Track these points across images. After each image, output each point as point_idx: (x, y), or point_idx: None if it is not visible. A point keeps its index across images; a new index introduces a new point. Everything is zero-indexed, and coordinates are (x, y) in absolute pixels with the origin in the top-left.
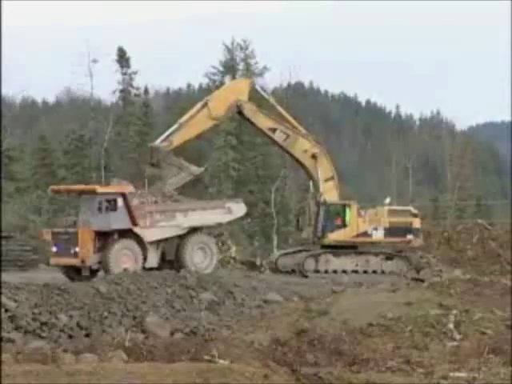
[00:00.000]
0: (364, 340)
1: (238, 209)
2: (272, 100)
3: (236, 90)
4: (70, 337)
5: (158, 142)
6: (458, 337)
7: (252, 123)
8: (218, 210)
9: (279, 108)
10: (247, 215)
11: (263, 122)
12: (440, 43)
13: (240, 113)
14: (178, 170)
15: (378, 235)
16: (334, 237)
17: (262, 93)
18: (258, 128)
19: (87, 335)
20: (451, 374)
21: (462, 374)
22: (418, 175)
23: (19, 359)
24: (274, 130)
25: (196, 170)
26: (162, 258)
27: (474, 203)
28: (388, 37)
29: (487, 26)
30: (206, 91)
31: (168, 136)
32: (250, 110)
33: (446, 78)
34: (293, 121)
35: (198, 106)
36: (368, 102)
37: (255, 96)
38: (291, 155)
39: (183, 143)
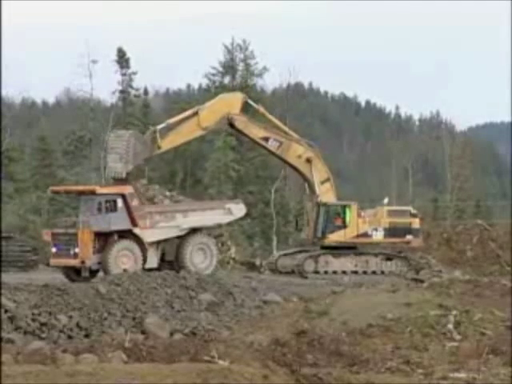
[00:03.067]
0: (364, 340)
1: (238, 209)
2: (262, 109)
3: (228, 104)
4: (70, 337)
5: (147, 134)
6: (457, 337)
7: (244, 134)
8: (218, 211)
9: (270, 117)
10: (247, 216)
11: (255, 132)
12: (440, 43)
13: (231, 125)
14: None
15: (378, 236)
16: (334, 238)
17: (253, 104)
18: (251, 138)
19: (87, 336)
20: (451, 375)
21: (462, 375)
22: (417, 176)
23: (19, 360)
24: (266, 139)
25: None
26: (162, 259)
27: (474, 204)
28: (388, 37)
29: (487, 26)
30: (205, 92)
31: (157, 134)
32: (241, 122)
33: (446, 78)
34: (285, 128)
35: (189, 112)
36: (368, 102)
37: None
38: (286, 162)
39: (171, 149)
